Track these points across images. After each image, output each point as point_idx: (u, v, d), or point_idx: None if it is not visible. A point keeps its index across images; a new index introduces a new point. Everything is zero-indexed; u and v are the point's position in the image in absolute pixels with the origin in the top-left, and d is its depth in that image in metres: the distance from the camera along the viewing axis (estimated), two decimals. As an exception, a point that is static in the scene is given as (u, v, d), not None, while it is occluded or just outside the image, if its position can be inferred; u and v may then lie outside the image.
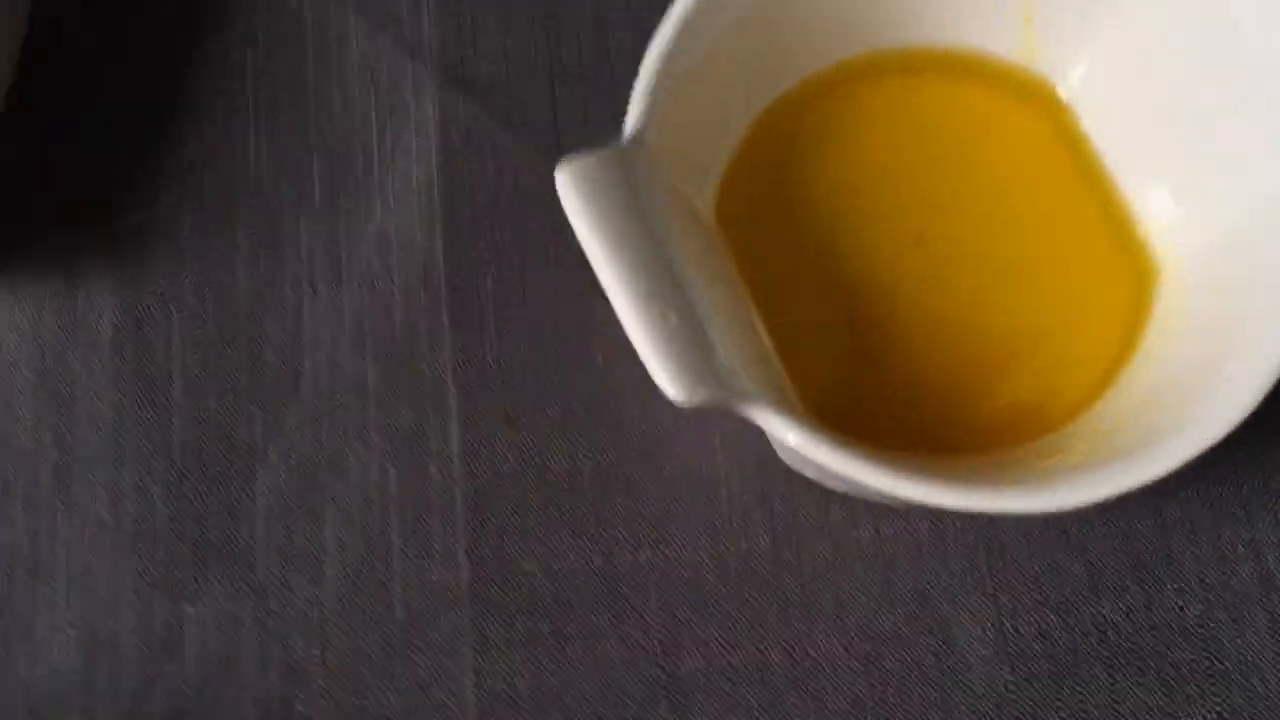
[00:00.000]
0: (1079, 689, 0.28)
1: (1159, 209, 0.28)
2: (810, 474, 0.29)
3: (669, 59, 0.25)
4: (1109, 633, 0.28)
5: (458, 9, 0.33)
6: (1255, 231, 0.25)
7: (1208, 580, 0.29)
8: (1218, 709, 0.28)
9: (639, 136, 0.25)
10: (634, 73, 0.24)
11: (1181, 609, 0.28)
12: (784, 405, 0.24)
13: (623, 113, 0.24)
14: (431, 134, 0.32)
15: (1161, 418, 0.25)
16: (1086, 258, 0.29)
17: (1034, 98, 0.30)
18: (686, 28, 0.26)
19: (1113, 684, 0.28)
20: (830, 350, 0.29)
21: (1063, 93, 0.29)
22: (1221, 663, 0.28)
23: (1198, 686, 0.28)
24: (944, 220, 0.30)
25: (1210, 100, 0.26)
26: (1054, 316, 0.29)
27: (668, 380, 0.22)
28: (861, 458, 0.23)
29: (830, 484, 0.29)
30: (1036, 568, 0.29)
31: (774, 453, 0.29)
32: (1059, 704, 0.28)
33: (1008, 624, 0.28)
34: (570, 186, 0.23)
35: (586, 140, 0.25)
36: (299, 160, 0.32)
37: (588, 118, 0.32)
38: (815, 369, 0.28)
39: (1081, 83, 0.29)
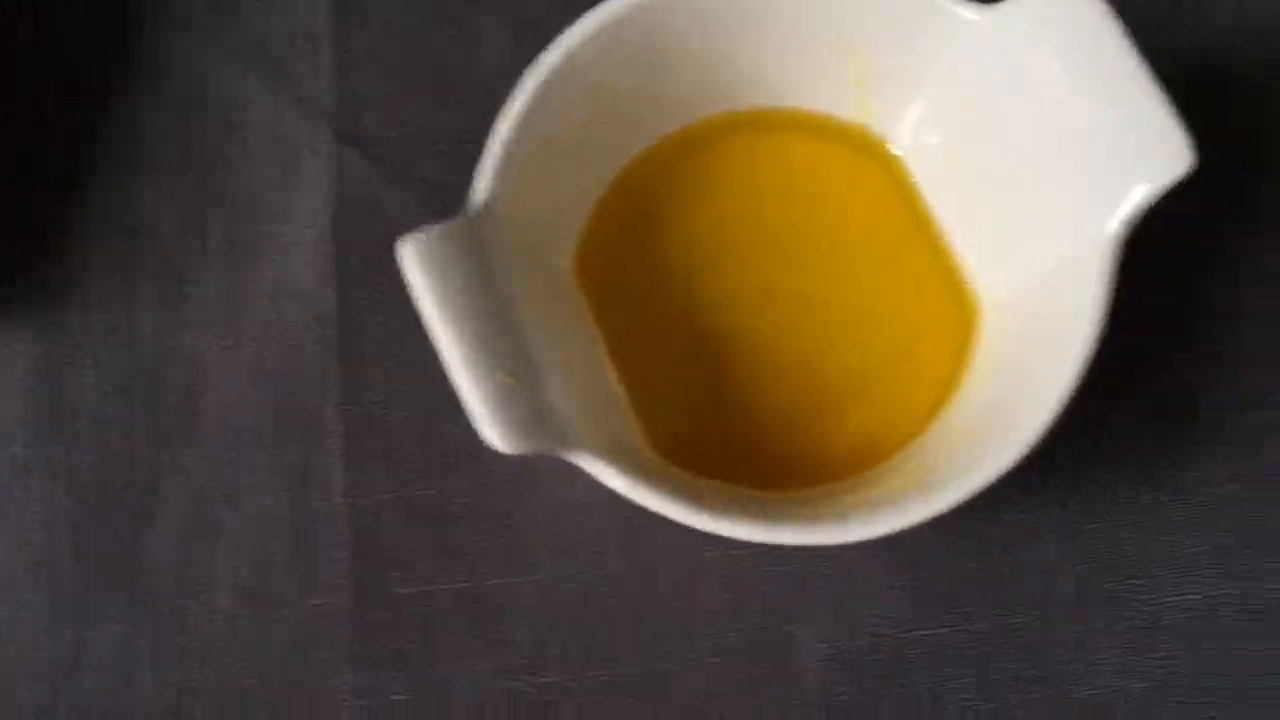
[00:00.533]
0: (908, 698, 0.31)
1: (977, 260, 0.31)
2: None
3: (517, 132, 0.28)
4: (935, 644, 0.31)
5: (354, 72, 0.35)
6: (1046, 290, 0.28)
7: (1029, 593, 0.31)
8: (1037, 716, 0.31)
9: (486, 206, 0.27)
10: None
11: (1004, 621, 0.31)
12: (614, 451, 0.27)
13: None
14: (326, 190, 0.34)
15: (963, 456, 0.28)
16: (919, 303, 0.32)
17: (872, 153, 0.32)
18: (535, 102, 0.28)
19: (938, 693, 0.31)
20: (685, 395, 0.31)
21: (895, 150, 0.32)
22: (1039, 671, 0.31)
23: (1019, 694, 0.31)
24: (793, 270, 0.32)
25: (1016, 165, 0.29)
26: (890, 357, 0.32)
27: (490, 432, 0.24)
28: (671, 498, 0.25)
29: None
30: (872, 583, 0.31)
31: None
32: (889, 712, 0.31)
33: (844, 639, 0.31)
34: (411, 259, 0.26)
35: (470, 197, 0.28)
36: (201, 215, 0.34)
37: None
38: (670, 413, 0.31)
39: (910, 140, 0.32)
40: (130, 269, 0.34)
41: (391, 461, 0.32)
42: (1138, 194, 0.26)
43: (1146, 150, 0.26)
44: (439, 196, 0.34)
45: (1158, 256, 0.33)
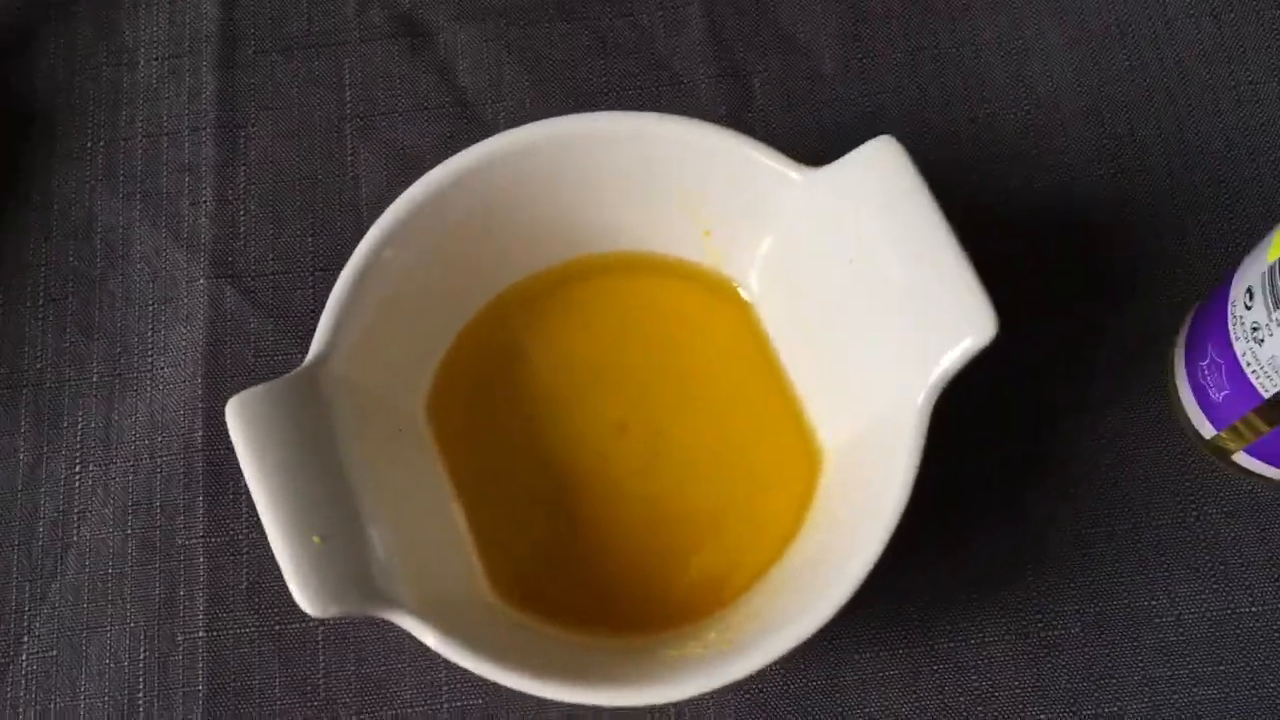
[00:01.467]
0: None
1: (817, 409, 0.32)
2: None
3: (356, 289, 0.29)
4: (779, 787, 0.31)
5: (233, 208, 0.36)
6: (868, 445, 0.29)
7: (875, 736, 0.32)
8: None
9: (321, 361, 0.28)
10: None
11: (850, 764, 0.31)
12: (445, 603, 0.27)
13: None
14: (200, 323, 0.35)
15: (784, 609, 0.28)
16: (768, 447, 0.32)
17: (724, 295, 0.33)
18: (370, 265, 0.29)
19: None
20: (531, 535, 0.32)
21: (744, 294, 0.33)
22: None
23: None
24: (646, 408, 0.33)
25: (843, 320, 0.30)
26: (737, 501, 0.32)
27: (302, 598, 0.25)
28: (485, 658, 0.26)
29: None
30: (716, 726, 0.32)
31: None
32: None
33: (690, 779, 0.31)
34: (236, 421, 0.26)
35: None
36: (81, 346, 0.35)
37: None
38: (516, 554, 0.31)
39: (759, 288, 0.33)
40: (8, 396, 0.35)
41: (253, 595, 0.33)
42: (943, 363, 0.26)
43: (951, 319, 0.26)
44: (310, 328, 0.35)
45: (1000, 397, 0.33)
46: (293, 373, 0.28)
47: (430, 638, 0.26)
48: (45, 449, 0.34)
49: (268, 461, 0.26)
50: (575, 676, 0.26)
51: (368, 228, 0.35)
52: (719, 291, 0.33)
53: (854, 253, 0.28)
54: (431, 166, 0.30)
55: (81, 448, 0.34)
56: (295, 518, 0.26)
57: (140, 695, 0.32)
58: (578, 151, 0.30)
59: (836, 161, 0.28)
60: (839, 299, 0.29)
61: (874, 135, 0.28)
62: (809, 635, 0.26)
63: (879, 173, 0.28)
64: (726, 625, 0.29)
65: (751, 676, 0.32)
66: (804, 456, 0.32)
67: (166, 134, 0.37)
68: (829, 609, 0.26)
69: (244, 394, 0.27)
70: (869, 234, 0.28)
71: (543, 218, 0.32)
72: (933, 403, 0.27)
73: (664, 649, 0.29)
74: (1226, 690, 0.31)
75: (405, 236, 0.29)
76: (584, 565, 0.32)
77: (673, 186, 0.31)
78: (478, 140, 0.30)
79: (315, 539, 0.26)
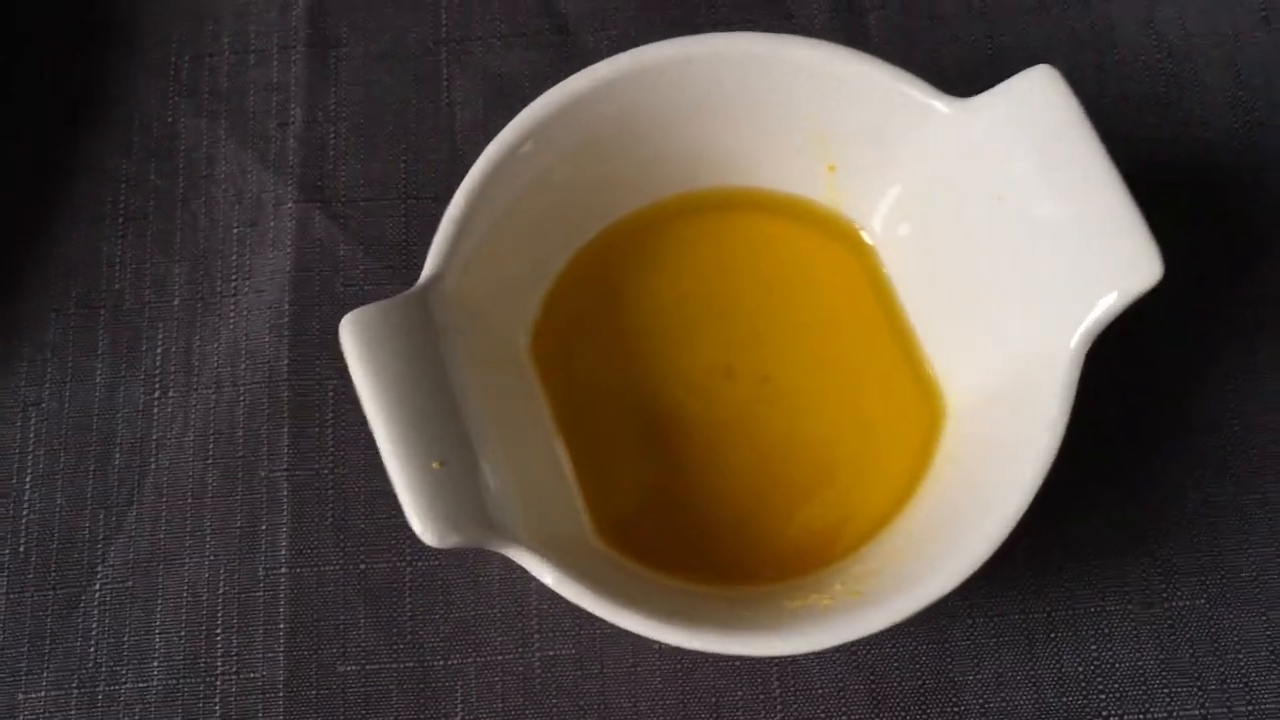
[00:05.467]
0: (855, 806, 0.30)
1: (944, 358, 0.30)
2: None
3: (472, 207, 0.27)
4: (887, 753, 0.30)
5: (322, 130, 0.35)
6: (1008, 396, 0.27)
7: (987, 705, 0.30)
8: (990, 829, 0.29)
9: (435, 282, 0.27)
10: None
11: (959, 732, 0.30)
12: (553, 541, 0.26)
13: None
14: (288, 248, 0.34)
15: (911, 567, 0.26)
16: (886, 394, 0.31)
17: (843, 238, 0.32)
18: (492, 179, 0.28)
19: (887, 802, 0.30)
20: (636, 481, 0.30)
21: (867, 236, 0.31)
22: (995, 785, 0.30)
23: (972, 806, 0.30)
24: (754, 352, 0.31)
25: (983, 264, 0.28)
26: (852, 448, 0.31)
27: (421, 527, 0.24)
28: (601, 597, 0.24)
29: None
30: (825, 688, 0.30)
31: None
32: (834, 820, 0.29)
33: (792, 741, 0.30)
34: (351, 338, 0.25)
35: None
36: (162, 267, 0.34)
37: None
38: (620, 499, 0.30)
39: (882, 230, 0.31)
40: (85, 316, 0.33)
41: (339, 532, 0.32)
42: (1102, 305, 0.25)
43: (1113, 258, 0.25)
44: (402, 258, 0.34)
45: (1130, 364, 0.32)
46: (407, 292, 0.26)
47: (548, 575, 0.25)
48: (124, 372, 0.33)
49: (384, 381, 0.25)
50: (696, 622, 0.25)
51: (463, 156, 0.34)
52: (838, 233, 0.31)
53: (1002, 189, 0.27)
54: (530, 95, 0.28)
55: (161, 373, 0.33)
56: (414, 440, 0.24)
57: (219, 630, 0.31)
58: (705, 75, 0.28)
59: (989, 91, 0.27)
60: (980, 239, 0.28)
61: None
62: (945, 592, 0.25)
63: (1037, 104, 0.26)
64: (848, 578, 0.28)
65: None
66: (924, 408, 0.30)
67: (254, 51, 0.36)
68: (967, 565, 0.25)
69: (359, 311, 0.25)
70: (1022, 169, 0.26)
71: (660, 146, 0.30)
72: (1086, 349, 0.25)
73: (782, 599, 0.27)
74: (1361, 670, 0.30)
75: (530, 152, 0.28)
76: (688, 511, 0.30)
77: (802, 118, 0.29)
78: (577, 69, 0.28)
79: (435, 464, 0.24)
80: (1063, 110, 0.25)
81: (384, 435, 0.24)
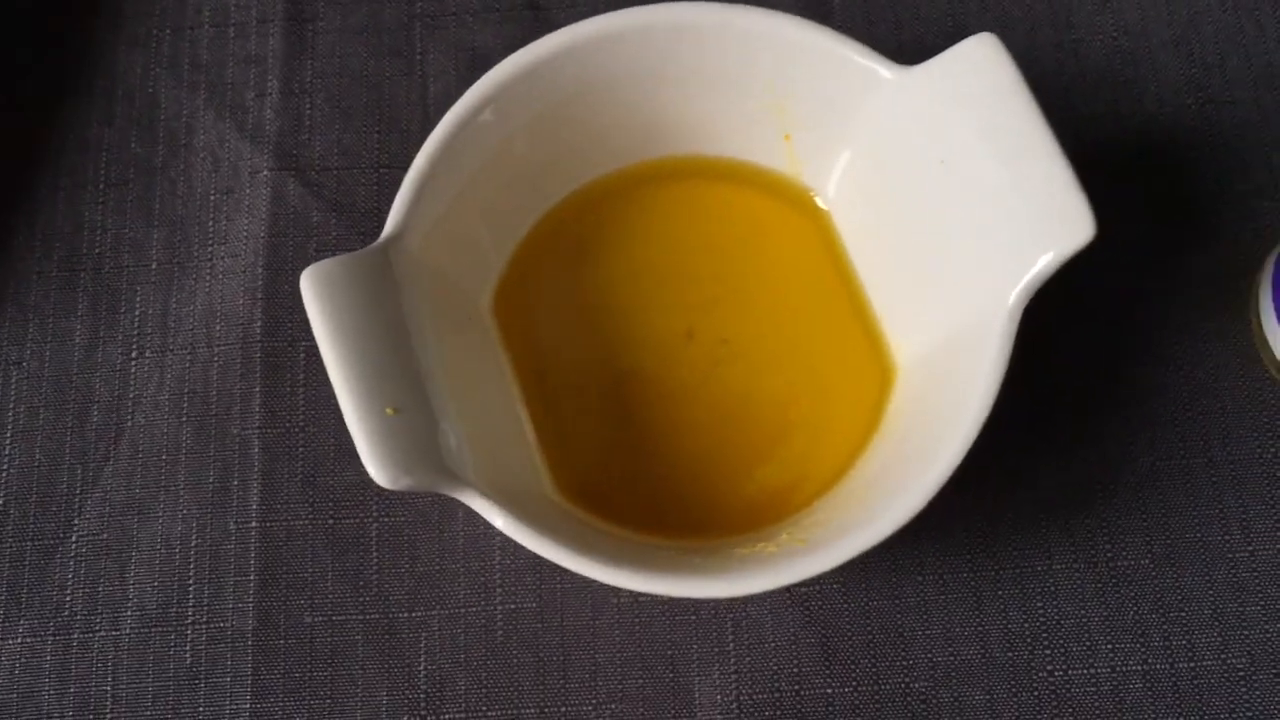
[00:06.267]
0: (805, 755, 0.30)
1: (894, 319, 0.31)
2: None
3: (433, 168, 0.28)
4: (836, 704, 0.31)
5: (298, 102, 0.36)
6: (951, 352, 0.28)
7: (935, 659, 0.31)
8: (937, 780, 0.30)
9: (396, 239, 0.28)
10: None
11: (907, 685, 0.31)
12: (511, 492, 0.27)
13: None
14: (263, 214, 0.35)
15: (856, 515, 0.27)
16: (840, 354, 0.32)
17: (798, 204, 0.32)
18: (454, 138, 0.29)
19: (836, 752, 0.30)
20: (597, 435, 0.31)
21: (821, 202, 0.32)
22: (942, 737, 0.30)
23: (920, 758, 0.30)
24: (713, 316, 0.32)
25: (929, 225, 0.29)
26: (807, 407, 0.32)
27: (374, 467, 0.25)
28: (553, 542, 0.25)
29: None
30: (777, 640, 0.31)
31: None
32: (784, 768, 0.30)
33: (745, 692, 0.31)
34: (310, 289, 0.26)
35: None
36: (140, 233, 0.35)
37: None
38: (580, 455, 0.31)
39: (836, 195, 0.32)
40: (66, 279, 0.34)
41: (308, 488, 0.32)
42: (1040, 263, 0.26)
43: (1049, 218, 0.26)
44: (373, 225, 0.35)
45: (1082, 330, 0.33)
46: (368, 247, 0.27)
47: (499, 518, 0.25)
48: (102, 333, 0.34)
49: (342, 330, 0.25)
50: (643, 566, 0.25)
51: (435, 127, 0.35)
52: (794, 200, 0.32)
53: (946, 154, 0.28)
54: (494, 67, 0.29)
55: (139, 334, 0.34)
56: (369, 387, 0.25)
57: (191, 582, 0.32)
58: (663, 44, 0.29)
59: (932, 59, 0.28)
60: (926, 202, 0.29)
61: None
62: (884, 537, 0.25)
63: (978, 70, 0.27)
64: (796, 529, 0.29)
65: (811, 592, 0.31)
66: (875, 368, 0.31)
67: (233, 24, 0.37)
68: (905, 512, 0.26)
69: (319, 264, 0.26)
70: (964, 134, 0.27)
71: (621, 114, 0.31)
72: (1023, 306, 0.26)
73: (734, 549, 0.28)
74: (1299, 628, 0.31)
75: (493, 113, 0.29)
76: (647, 470, 0.31)
77: (757, 85, 0.30)
78: (548, 44, 0.29)
79: (389, 410, 0.25)
80: (1002, 77, 0.26)
81: (340, 379, 0.25)
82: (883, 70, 0.28)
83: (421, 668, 0.31)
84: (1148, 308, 0.33)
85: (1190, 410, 0.32)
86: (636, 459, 0.31)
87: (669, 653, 0.31)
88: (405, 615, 0.32)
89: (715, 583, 0.25)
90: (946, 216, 0.28)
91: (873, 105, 0.29)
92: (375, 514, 0.32)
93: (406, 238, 0.28)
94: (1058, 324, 0.33)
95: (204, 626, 0.31)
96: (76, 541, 0.32)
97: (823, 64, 0.29)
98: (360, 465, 0.32)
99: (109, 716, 0.31)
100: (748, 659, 0.31)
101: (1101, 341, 0.33)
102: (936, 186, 0.28)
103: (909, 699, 0.31)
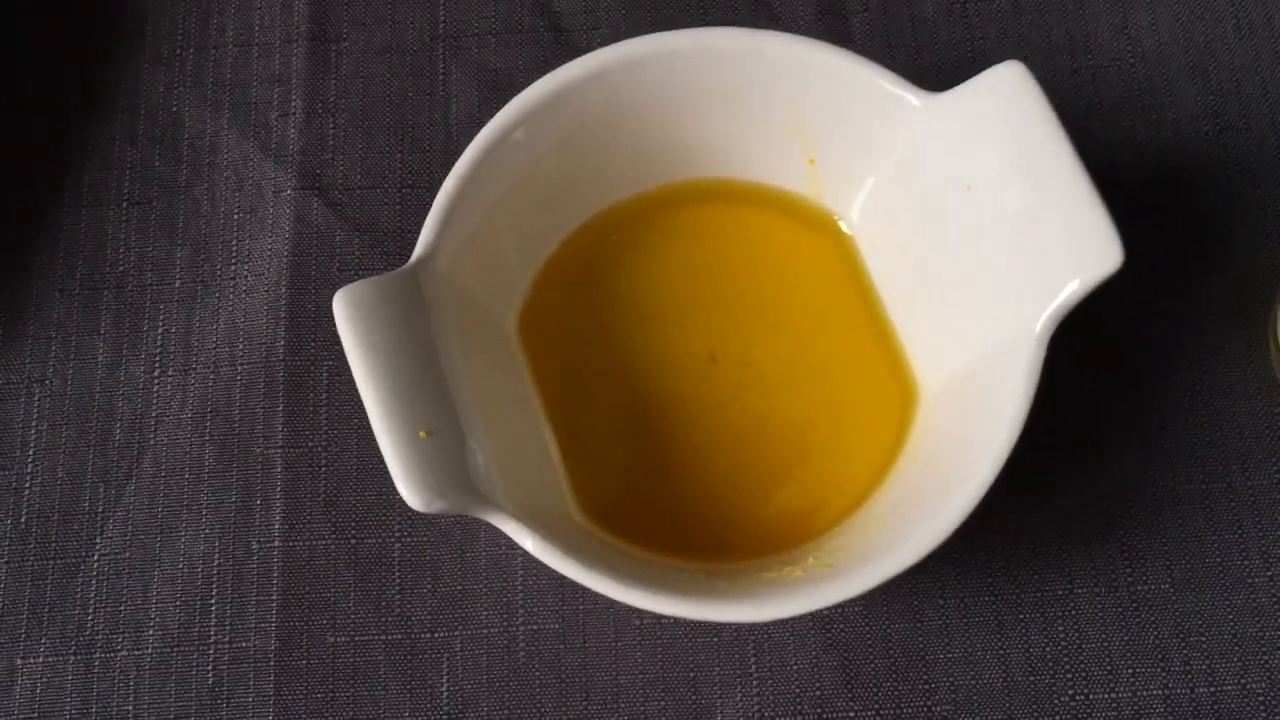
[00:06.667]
0: (827, 778, 0.30)
1: (918, 344, 0.31)
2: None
3: (461, 192, 0.29)
4: (858, 727, 0.31)
5: (321, 121, 0.36)
6: (977, 379, 0.28)
7: (956, 683, 0.31)
8: (958, 803, 0.30)
9: (426, 261, 0.28)
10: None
11: (930, 709, 0.31)
12: (537, 514, 0.27)
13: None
14: (286, 233, 0.35)
15: (882, 540, 0.27)
16: (862, 379, 0.32)
17: (822, 228, 0.33)
18: (483, 161, 0.29)
19: (858, 775, 0.30)
20: (620, 458, 0.31)
21: (845, 226, 0.32)
22: (963, 760, 0.31)
23: (941, 781, 0.31)
24: (736, 340, 0.32)
25: (954, 252, 0.29)
26: (829, 432, 0.32)
27: (407, 490, 0.25)
28: (580, 564, 0.25)
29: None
30: (799, 664, 0.31)
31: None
32: (807, 791, 0.30)
33: (767, 714, 0.31)
34: (344, 311, 0.26)
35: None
36: (164, 251, 0.35)
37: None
38: (604, 477, 0.31)
39: (860, 220, 0.32)
40: (89, 297, 0.34)
41: (331, 508, 0.33)
42: (1066, 291, 0.26)
43: (1077, 246, 0.26)
44: (396, 245, 0.35)
45: (1101, 355, 0.33)
46: (398, 270, 0.27)
47: (529, 541, 0.26)
48: (125, 351, 0.34)
49: (375, 352, 0.26)
50: (673, 590, 0.26)
51: (458, 147, 0.35)
52: (818, 225, 0.33)
53: (972, 180, 0.28)
54: (524, 89, 0.29)
55: (161, 352, 0.34)
56: (402, 410, 0.25)
57: (213, 601, 0.32)
58: (691, 68, 0.30)
59: (960, 86, 0.28)
60: (951, 228, 0.29)
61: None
62: (912, 564, 0.26)
63: (1006, 97, 0.27)
64: (821, 553, 0.29)
65: (833, 615, 0.31)
66: (898, 394, 0.31)
67: (257, 44, 0.37)
68: (933, 538, 0.26)
69: (351, 286, 0.26)
70: (991, 160, 0.27)
71: (646, 137, 0.31)
72: (1050, 333, 0.26)
73: (759, 573, 0.28)
74: (1319, 653, 0.31)
75: (521, 137, 0.29)
76: (669, 491, 0.31)
77: (783, 111, 0.30)
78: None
79: (422, 433, 0.25)
80: (1031, 104, 0.27)
81: (373, 403, 0.25)
82: (911, 97, 0.28)
83: (444, 688, 0.31)
84: (1165, 332, 0.34)
85: (1209, 435, 0.33)
86: (659, 480, 0.31)
87: (691, 674, 0.31)
88: (428, 636, 0.32)
89: (744, 607, 0.25)
90: (972, 243, 0.28)
91: (899, 131, 0.29)
92: (397, 534, 0.32)
93: (436, 260, 0.28)
94: (1075, 347, 0.33)
95: (226, 646, 0.31)
96: (99, 560, 0.32)
97: (852, 90, 0.29)
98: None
99: (131, 736, 0.31)
100: (770, 681, 0.31)
101: (1118, 365, 0.33)
102: (961, 211, 0.28)
103: (931, 722, 0.31)
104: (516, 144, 0.29)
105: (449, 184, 0.28)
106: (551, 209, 0.32)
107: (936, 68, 0.36)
